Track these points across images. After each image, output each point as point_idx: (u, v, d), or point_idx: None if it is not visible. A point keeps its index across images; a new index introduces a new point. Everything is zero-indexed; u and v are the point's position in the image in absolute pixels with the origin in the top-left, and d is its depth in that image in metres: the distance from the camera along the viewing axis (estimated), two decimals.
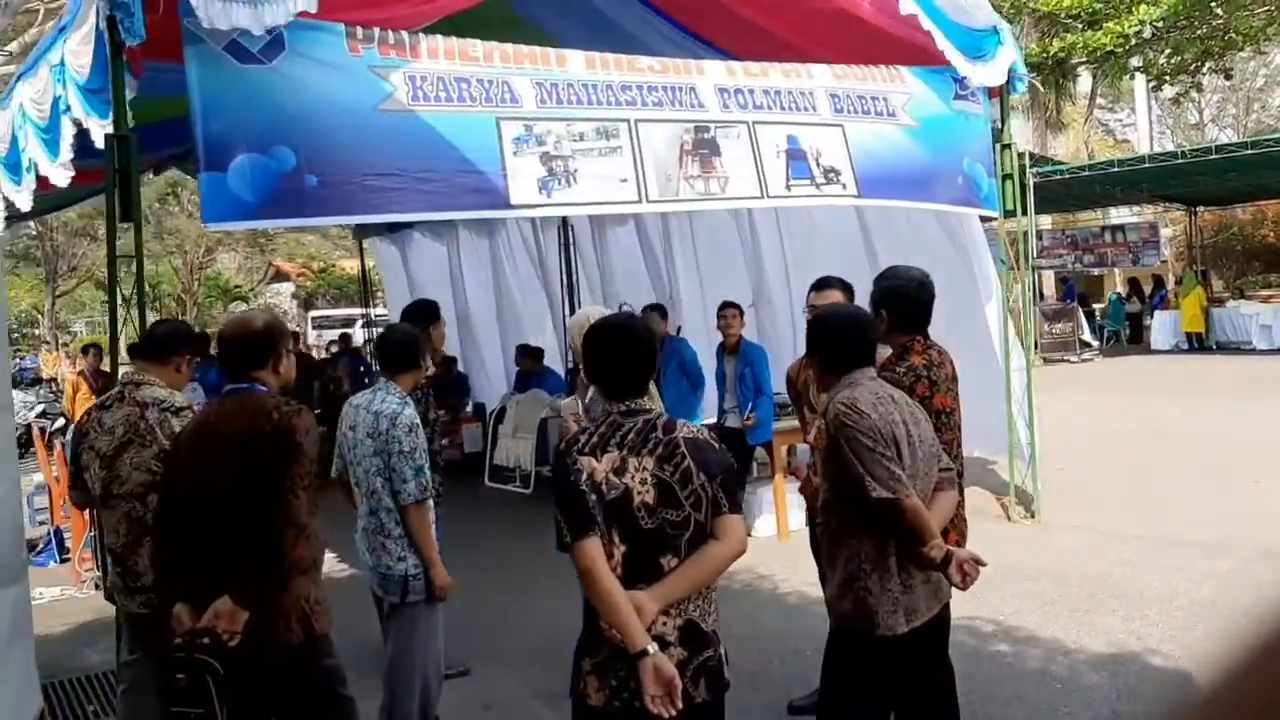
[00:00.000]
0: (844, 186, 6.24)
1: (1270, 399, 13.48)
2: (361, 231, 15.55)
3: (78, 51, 5.04)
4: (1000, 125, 7.57)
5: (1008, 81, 7.31)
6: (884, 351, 3.70)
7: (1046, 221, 29.20)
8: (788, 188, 6.07)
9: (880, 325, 3.74)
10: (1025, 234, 7.98)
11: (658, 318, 7.83)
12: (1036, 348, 20.18)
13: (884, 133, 6.53)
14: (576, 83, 5.57)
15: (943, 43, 6.70)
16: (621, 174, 5.61)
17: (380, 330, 5.00)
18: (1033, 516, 7.62)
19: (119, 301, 4.89)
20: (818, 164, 6.15)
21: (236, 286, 41.24)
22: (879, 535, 3.10)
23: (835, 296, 4.43)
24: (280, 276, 43.84)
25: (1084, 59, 20.97)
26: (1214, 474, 8.81)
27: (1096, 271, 27.96)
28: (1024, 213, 7.88)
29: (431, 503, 4.10)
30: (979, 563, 3.16)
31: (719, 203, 6.16)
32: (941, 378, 3.66)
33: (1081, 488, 8.58)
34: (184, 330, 4.34)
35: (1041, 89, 27.93)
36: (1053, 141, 33.19)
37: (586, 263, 12.87)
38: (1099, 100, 37.69)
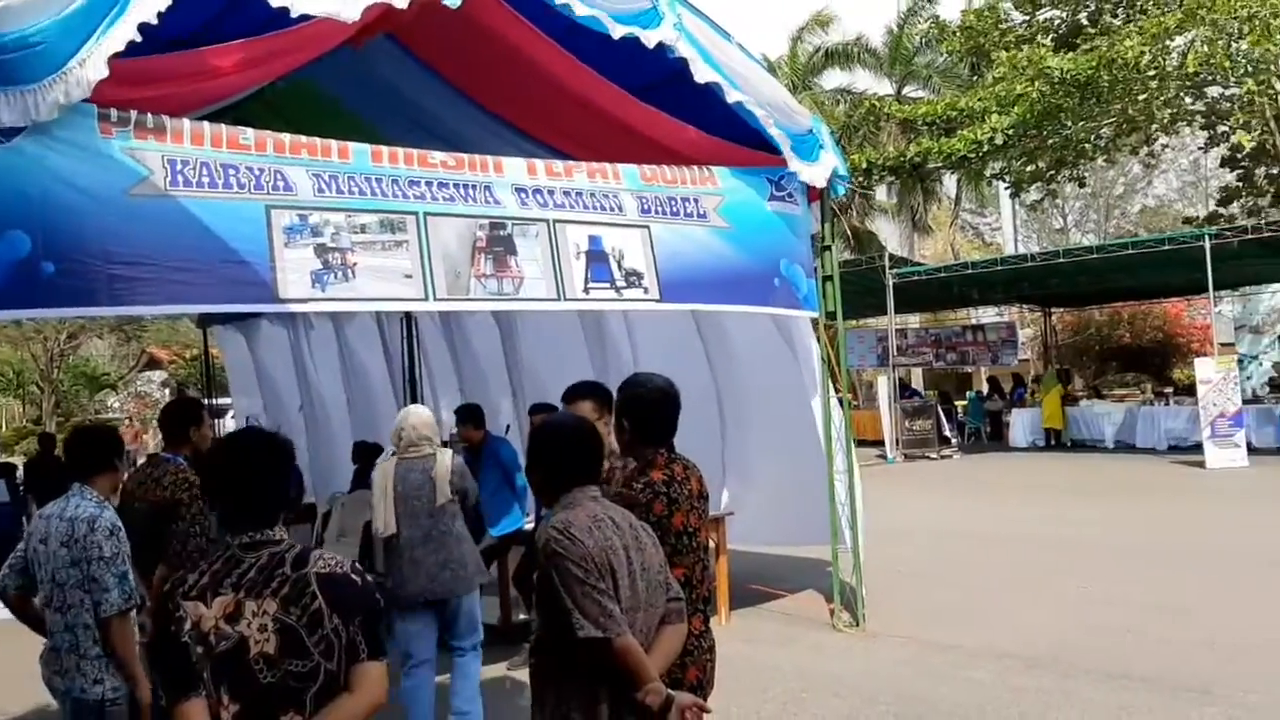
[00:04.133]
0: (645, 290, 6.06)
1: (1111, 500, 13.79)
2: (205, 319, 14.95)
3: None
4: (821, 228, 7.56)
5: (829, 184, 7.31)
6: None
7: (915, 320, 30.10)
8: (586, 290, 5.86)
9: (623, 437, 3.51)
10: (843, 334, 7.94)
11: (470, 427, 7.58)
12: (898, 444, 20.48)
13: (693, 235, 6.40)
14: (359, 175, 5.30)
15: (775, 131, 6.68)
16: (406, 269, 5.33)
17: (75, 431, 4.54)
18: (858, 624, 7.42)
19: None
20: (619, 266, 5.96)
21: (104, 374, 39.62)
22: (589, 679, 2.79)
23: (586, 410, 4.16)
24: (154, 364, 42.30)
25: (940, 164, 21.72)
26: (1047, 579, 8.80)
27: (965, 369, 28.78)
28: (845, 315, 7.85)
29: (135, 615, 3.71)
30: (703, 709, 2.86)
31: (513, 304, 5.91)
32: (684, 495, 3.40)
33: (915, 593, 8.46)
34: None
35: (908, 193, 28.98)
36: (921, 243, 34.37)
37: (435, 353, 12.53)
38: (968, 204, 39.33)
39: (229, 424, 21.28)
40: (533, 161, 6.02)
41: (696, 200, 6.47)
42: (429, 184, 5.51)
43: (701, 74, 6.34)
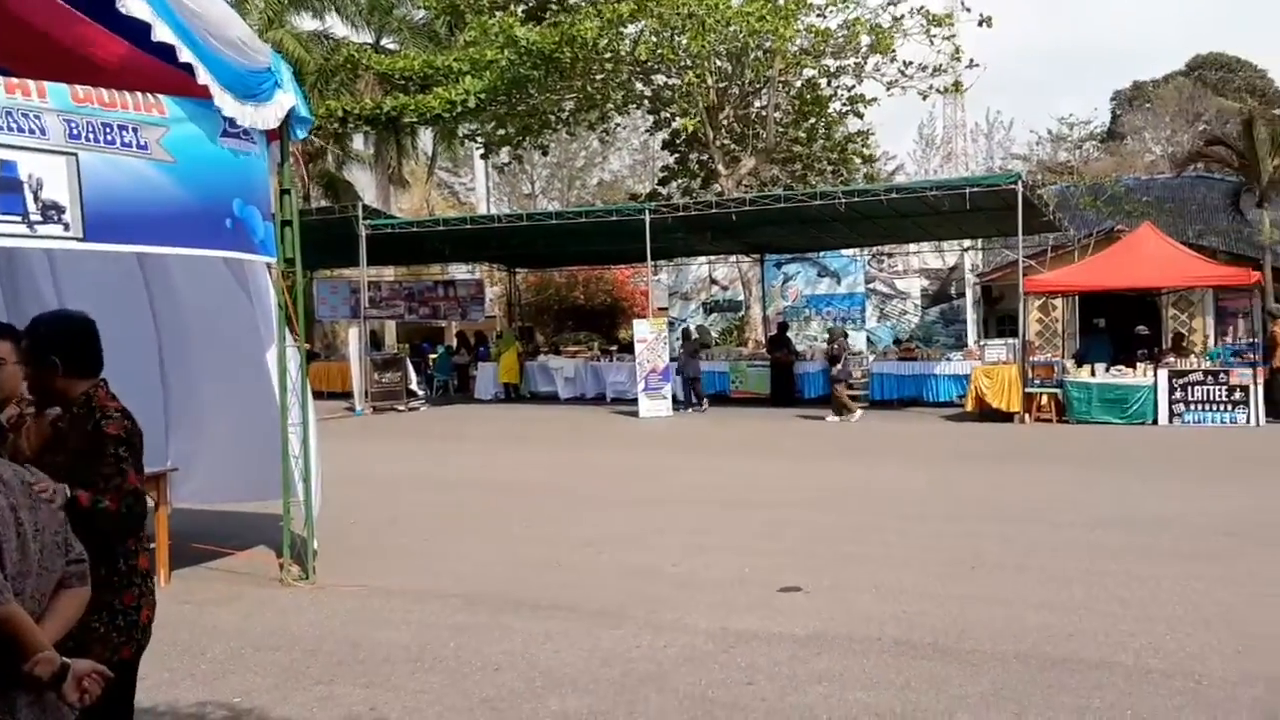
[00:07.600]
0: (66, 227, 5.44)
1: (558, 447, 15.02)
2: None
3: None
4: (280, 169, 7.30)
5: (288, 125, 7.07)
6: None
7: (390, 273, 30.22)
8: None
9: (53, 376, 3.22)
10: (307, 282, 7.79)
11: None
12: (367, 397, 20.53)
13: (130, 167, 5.85)
14: None
15: (205, 77, 6.23)
16: None
17: None
18: (308, 577, 7.36)
19: None
20: (36, 198, 5.30)
21: None
22: None
23: (6, 351, 3.72)
24: None
25: (415, 120, 21.97)
26: (493, 521, 9.39)
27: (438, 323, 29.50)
28: (317, 264, 7.69)
29: None
30: (104, 675, 2.67)
31: None
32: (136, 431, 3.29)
33: (369, 542, 8.58)
34: None
35: (386, 146, 28.88)
36: (399, 197, 34.53)
37: None
38: (445, 163, 40.17)
39: None
40: None
41: (136, 129, 5.91)
42: None
43: (130, 5, 5.75)
